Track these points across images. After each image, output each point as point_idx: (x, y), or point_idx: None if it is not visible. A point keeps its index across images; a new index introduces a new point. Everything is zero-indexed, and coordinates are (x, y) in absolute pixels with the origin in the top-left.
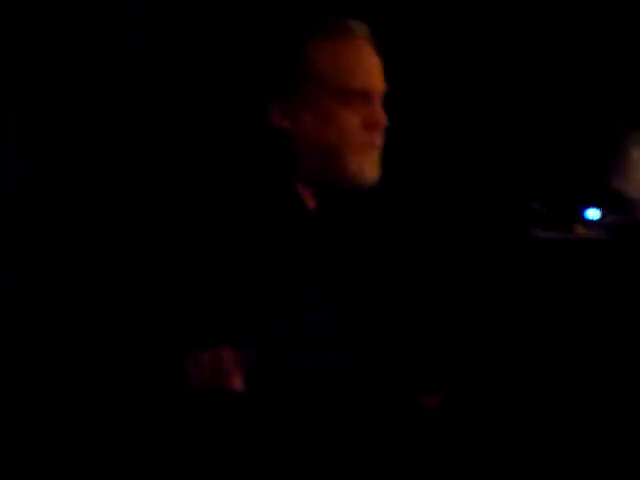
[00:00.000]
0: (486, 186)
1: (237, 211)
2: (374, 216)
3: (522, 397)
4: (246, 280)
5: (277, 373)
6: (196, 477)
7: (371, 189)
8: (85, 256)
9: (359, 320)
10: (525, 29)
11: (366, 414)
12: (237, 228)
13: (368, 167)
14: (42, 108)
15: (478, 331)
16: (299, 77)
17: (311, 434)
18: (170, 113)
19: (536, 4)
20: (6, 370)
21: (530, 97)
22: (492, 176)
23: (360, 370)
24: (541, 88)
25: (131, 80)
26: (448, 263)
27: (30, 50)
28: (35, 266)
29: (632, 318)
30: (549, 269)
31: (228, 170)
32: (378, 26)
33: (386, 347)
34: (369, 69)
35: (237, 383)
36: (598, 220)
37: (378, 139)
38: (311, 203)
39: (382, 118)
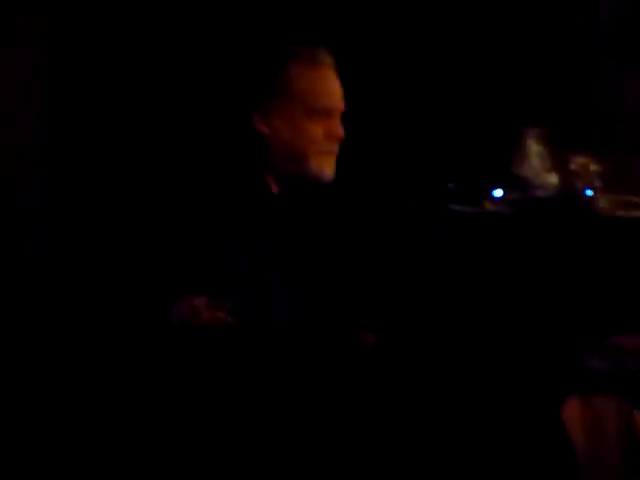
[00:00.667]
0: (412, 171)
1: (218, 194)
2: (323, 200)
3: (440, 333)
4: (223, 250)
5: (248, 323)
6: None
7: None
8: (97, 235)
9: (311, 280)
10: (441, 37)
11: (317, 350)
12: (217, 208)
13: (326, 168)
14: (61, 119)
15: (405, 283)
16: (279, 94)
17: (274, 364)
18: (173, 117)
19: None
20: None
21: (448, 99)
22: (417, 163)
23: (312, 319)
24: (457, 92)
25: (136, 96)
26: (381, 231)
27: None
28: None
29: (527, 272)
30: (462, 236)
31: (215, 162)
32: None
33: (330, 298)
34: (333, 92)
35: (207, 315)
36: (502, 197)
37: (336, 147)
38: (275, 190)
39: (340, 131)
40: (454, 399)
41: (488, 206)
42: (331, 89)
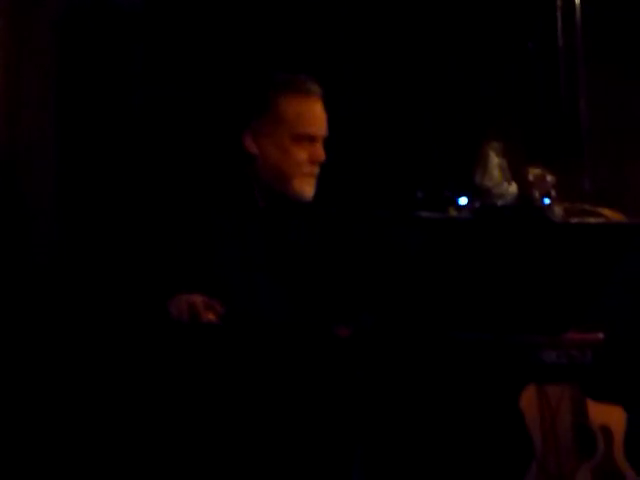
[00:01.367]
0: (384, 180)
1: (213, 202)
2: (302, 209)
3: (412, 328)
4: (216, 252)
5: (235, 314)
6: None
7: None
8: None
9: (290, 279)
10: (410, 59)
11: (296, 341)
12: (212, 215)
13: (307, 189)
14: (67, 123)
15: (377, 284)
16: (268, 118)
17: (256, 352)
18: (174, 132)
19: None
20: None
21: (417, 117)
22: (389, 173)
23: (290, 312)
24: (425, 110)
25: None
26: (354, 235)
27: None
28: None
29: (487, 273)
30: (429, 240)
31: (212, 174)
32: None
33: (308, 296)
34: (318, 120)
35: (205, 315)
36: (466, 205)
37: (317, 170)
38: (262, 203)
39: (322, 156)
40: (419, 390)
41: (452, 213)
42: (317, 117)
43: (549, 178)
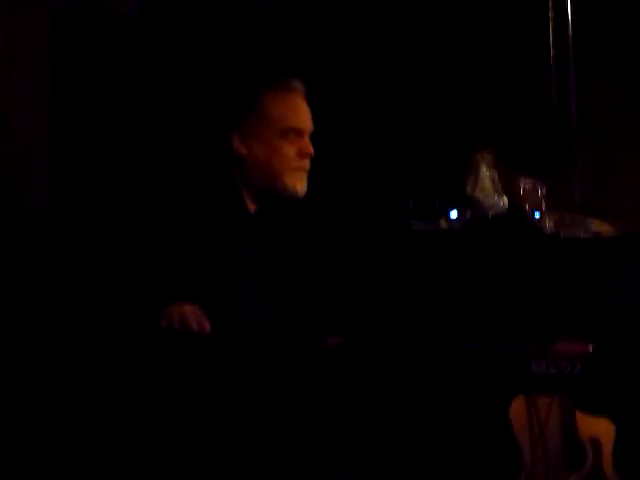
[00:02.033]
0: (377, 191)
1: (202, 208)
2: (293, 216)
3: (402, 337)
4: (204, 261)
5: (225, 322)
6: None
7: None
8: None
9: (280, 288)
10: (404, 70)
11: (285, 350)
12: (201, 221)
13: (299, 184)
14: (62, 125)
15: (368, 293)
16: (254, 117)
17: (248, 361)
18: (164, 139)
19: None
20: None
21: (410, 129)
22: (381, 184)
23: (280, 321)
24: (419, 122)
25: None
26: (347, 244)
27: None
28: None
29: (478, 283)
30: (420, 249)
31: (200, 183)
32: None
33: (298, 305)
34: (303, 114)
35: (194, 325)
36: (456, 216)
37: (307, 164)
38: (252, 207)
39: (310, 149)
40: (408, 399)
41: (443, 223)
42: (301, 112)
43: (540, 189)
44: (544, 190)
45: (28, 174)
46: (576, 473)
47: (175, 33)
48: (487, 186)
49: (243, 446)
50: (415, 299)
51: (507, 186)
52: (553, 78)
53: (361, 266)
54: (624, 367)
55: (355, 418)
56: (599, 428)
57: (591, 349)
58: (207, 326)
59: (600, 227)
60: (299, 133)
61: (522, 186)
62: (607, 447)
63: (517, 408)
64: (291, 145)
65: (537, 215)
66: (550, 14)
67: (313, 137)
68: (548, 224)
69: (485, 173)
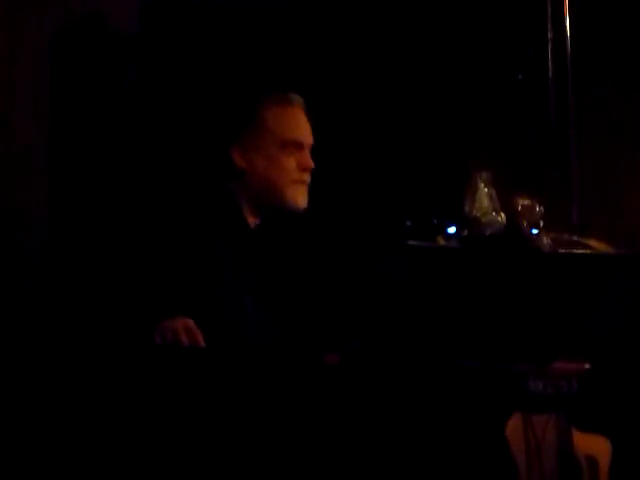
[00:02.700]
0: (375, 209)
1: (199, 228)
2: (293, 232)
3: (399, 355)
4: (204, 276)
5: (224, 338)
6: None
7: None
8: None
9: (279, 304)
10: (403, 88)
11: (283, 367)
12: (200, 236)
13: (300, 197)
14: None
15: (365, 310)
16: (254, 130)
17: (245, 378)
18: (163, 151)
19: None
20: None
21: (409, 148)
22: (379, 203)
23: (278, 337)
24: (417, 141)
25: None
26: (345, 261)
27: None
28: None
29: (475, 301)
30: (417, 267)
31: (197, 195)
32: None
33: (297, 322)
34: (302, 127)
35: (185, 339)
36: (454, 234)
37: (307, 177)
38: (253, 222)
39: (310, 162)
40: (405, 416)
41: (441, 241)
42: (301, 125)
43: (538, 208)
44: (542, 208)
45: (28, 190)
46: None
47: (175, 47)
48: (485, 204)
49: (239, 462)
50: (413, 317)
51: (505, 204)
52: (551, 97)
53: (358, 284)
54: (621, 385)
55: (352, 435)
56: (595, 446)
57: (588, 367)
58: (200, 340)
59: (598, 247)
60: (299, 146)
61: (520, 204)
62: (603, 465)
63: (514, 426)
64: (291, 158)
65: (535, 233)
66: (549, 35)
67: (312, 155)
68: (546, 242)
69: (483, 191)
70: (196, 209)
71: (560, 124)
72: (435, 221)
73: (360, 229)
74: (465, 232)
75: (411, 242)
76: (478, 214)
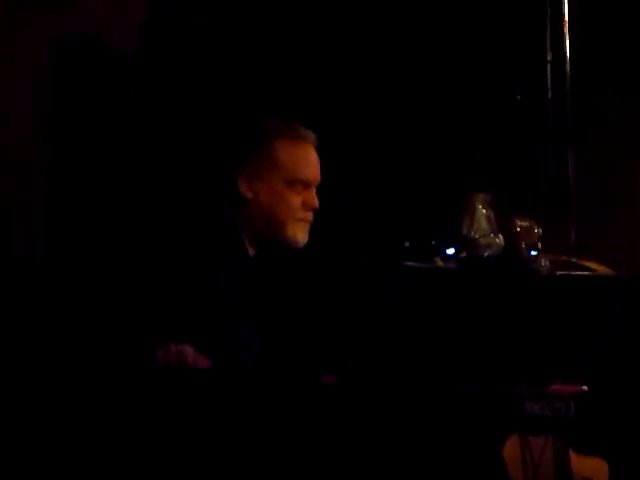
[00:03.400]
0: (373, 231)
1: (198, 253)
2: (290, 256)
3: (395, 379)
4: (201, 303)
5: (222, 362)
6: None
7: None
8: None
9: (276, 329)
10: (401, 110)
11: (280, 390)
12: (197, 266)
13: (300, 235)
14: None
15: (363, 332)
16: (263, 163)
17: (245, 400)
18: (161, 173)
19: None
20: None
21: (409, 170)
22: (379, 223)
23: (274, 360)
24: (416, 163)
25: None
26: (342, 283)
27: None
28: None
29: (473, 323)
30: (415, 288)
31: (197, 219)
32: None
33: (294, 344)
34: (312, 166)
35: (191, 359)
36: (452, 255)
37: (310, 216)
38: (251, 250)
39: (316, 202)
40: (404, 438)
41: (439, 262)
42: (311, 163)
43: (536, 230)
44: (540, 230)
45: (24, 210)
46: None
47: (173, 67)
48: (483, 226)
49: None
50: (410, 338)
51: (503, 226)
52: (550, 119)
53: (356, 305)
54: (619, 407)
55: (349, 456)
56: (593, 468)
57: (585, 389)
58: (205, 362)
59: (596, 269)
60: (306, 185)
61: (518, 225)
62: None
63: (511, 448)
64: (297, 195)
65: (533, 254)
66: (548, 57)
67: None
68: (544, 265)
69: (481, 212)
70: (196, 233)
71: (558, 145)
72: (433, 242)
73: (358, 250)
74: (463, 253)
75: (409, 263)
76: (476, 235)
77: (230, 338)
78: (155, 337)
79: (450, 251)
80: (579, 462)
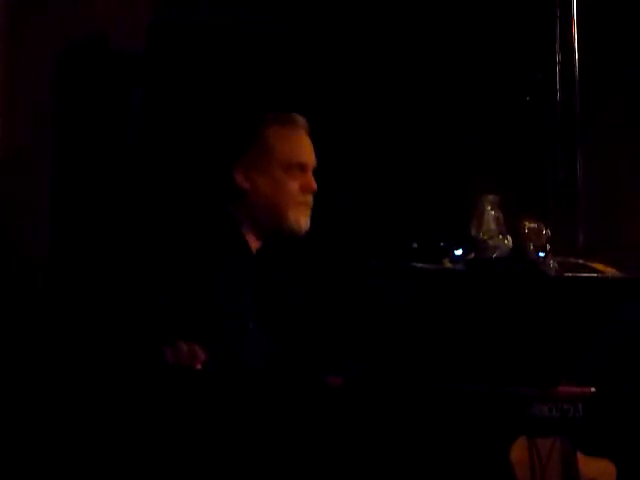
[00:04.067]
0: (381, 231)
1: (200, 251)
2: (296, 255)
3: (403, 378)
4: (205, 303)
5: (228, 360)
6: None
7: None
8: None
9: (281, 327)
10: (407, 110)
11: (287, 390)
12: (203, 266)
13: (302, 219)
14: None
15: (369, 334)
16: (258, 151)
17: (250, 400)
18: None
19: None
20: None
21: (417, 171)
22: (384, 224)
23: (281, 359)
24: (424, 164)
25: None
26: (350, 282)
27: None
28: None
29: (480, 325)
30: (424, 289)
31: (198, 219)
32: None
33: (299, 344)
34: (306, 149)
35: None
36: (460, 257)
37: (310, 199)
38: (255, 245)
39: (313, 184)
40: (408, 440)
41: (447, 264)
42: (305, 147)
43: (544, 231)
44: (548, 231)
45: (30, 217)
46: None
47: (182, 70)
48: (492, 227)
49: None
50: (418, 339)
51: (512, 228)
52: (559, 120)
53: (362, 306)
54: (626, 408)
55: (355, 458)
56: (600, 470)
57: (593, 391)
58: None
59: (604, 270)
60: (303, 168)
61: (526, 227)
62: None
63: (518, 451)
64: (294, 180)
65: (541, 257)
66: (557, 58)
67: (316, 176)
68: (552, 266)
69: (490, 214)
70: (197, 232)
71: (567, 147)
72: (441, 244)
73: (366, 251)
74: (471, 255)
75: (417, 264)
76: (485, 237)
77: (235, 337)
78: (160, 336)
79: (458, 252)
80: (586, 464)
